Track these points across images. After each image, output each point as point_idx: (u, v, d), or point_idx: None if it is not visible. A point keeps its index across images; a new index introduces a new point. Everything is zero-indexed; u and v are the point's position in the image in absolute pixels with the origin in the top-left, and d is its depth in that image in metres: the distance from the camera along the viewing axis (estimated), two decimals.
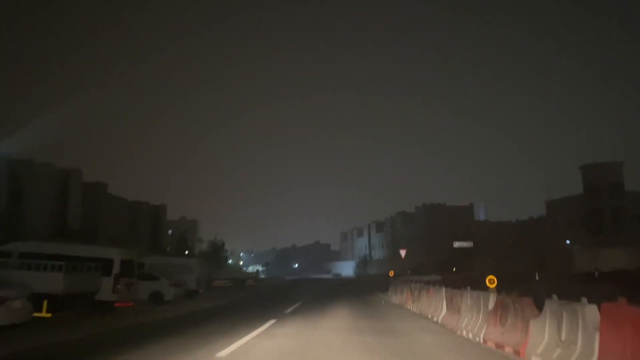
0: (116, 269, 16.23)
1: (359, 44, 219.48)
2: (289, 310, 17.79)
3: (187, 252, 47.10)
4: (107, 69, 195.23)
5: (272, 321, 13.31)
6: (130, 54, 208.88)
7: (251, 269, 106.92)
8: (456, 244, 73.44)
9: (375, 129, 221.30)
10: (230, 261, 67.64)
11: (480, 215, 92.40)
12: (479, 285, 12.29)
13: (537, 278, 29.98)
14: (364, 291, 34.77)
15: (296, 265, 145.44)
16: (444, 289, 12.90)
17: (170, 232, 78.68)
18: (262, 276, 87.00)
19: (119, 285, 16.10)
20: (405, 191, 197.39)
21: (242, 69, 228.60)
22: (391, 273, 29.76)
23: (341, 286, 45.92)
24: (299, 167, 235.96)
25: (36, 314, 12.23)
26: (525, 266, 56.86)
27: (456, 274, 46.59)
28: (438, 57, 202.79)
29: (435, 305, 13.75)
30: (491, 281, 9.23)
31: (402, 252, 46.75)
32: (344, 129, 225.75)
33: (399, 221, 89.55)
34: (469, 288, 10.57)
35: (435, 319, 13.17)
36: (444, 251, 69.86)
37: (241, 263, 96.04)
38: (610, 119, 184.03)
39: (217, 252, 55.14)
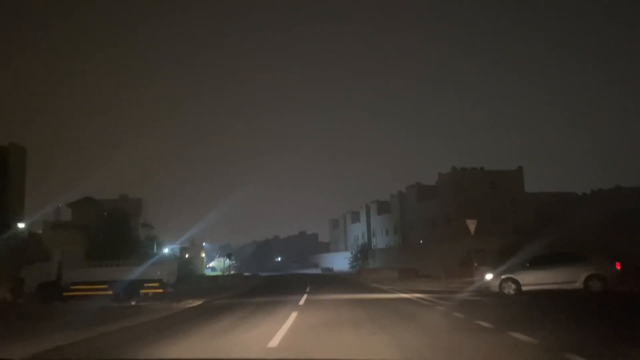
0: None
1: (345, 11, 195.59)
2: None
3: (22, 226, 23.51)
4: None
5: None
6: None
7: (214, 263, 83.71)
8: None
9: (367, 99, 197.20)
10: (167, 250, 44.03)
11: None
12: None
13: None
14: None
15: (279, 259, 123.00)
16: None
17: (105, 214, 57.10)
18: (232, 272, 65.95)
19: None
20: (406, 169, 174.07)
21: (219, 41, 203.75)
22: None
23: (345, 291, 21.46)
24: (281, 148, 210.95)
25: None
26: None
27: None
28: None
29: None
30: None
31: (472, 226, 23.47)
32: (331, 100, 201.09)
33: (413, 196, 66.27)
34: None
35: None
36: (493, 231, 46.16)
37: (203, 255, 72.37)
38: None
39: (122, 234, 31.58)
